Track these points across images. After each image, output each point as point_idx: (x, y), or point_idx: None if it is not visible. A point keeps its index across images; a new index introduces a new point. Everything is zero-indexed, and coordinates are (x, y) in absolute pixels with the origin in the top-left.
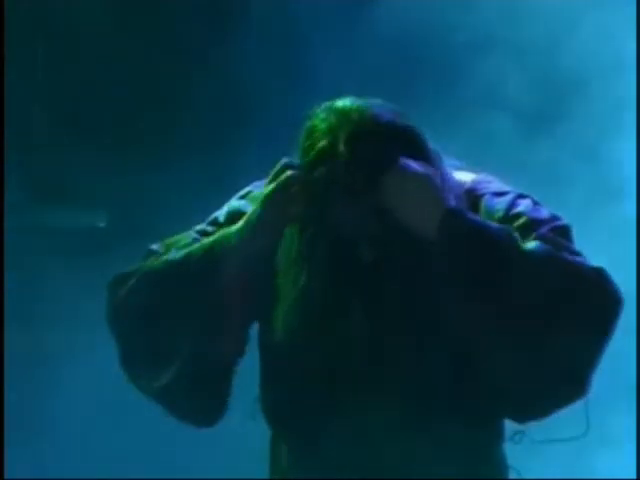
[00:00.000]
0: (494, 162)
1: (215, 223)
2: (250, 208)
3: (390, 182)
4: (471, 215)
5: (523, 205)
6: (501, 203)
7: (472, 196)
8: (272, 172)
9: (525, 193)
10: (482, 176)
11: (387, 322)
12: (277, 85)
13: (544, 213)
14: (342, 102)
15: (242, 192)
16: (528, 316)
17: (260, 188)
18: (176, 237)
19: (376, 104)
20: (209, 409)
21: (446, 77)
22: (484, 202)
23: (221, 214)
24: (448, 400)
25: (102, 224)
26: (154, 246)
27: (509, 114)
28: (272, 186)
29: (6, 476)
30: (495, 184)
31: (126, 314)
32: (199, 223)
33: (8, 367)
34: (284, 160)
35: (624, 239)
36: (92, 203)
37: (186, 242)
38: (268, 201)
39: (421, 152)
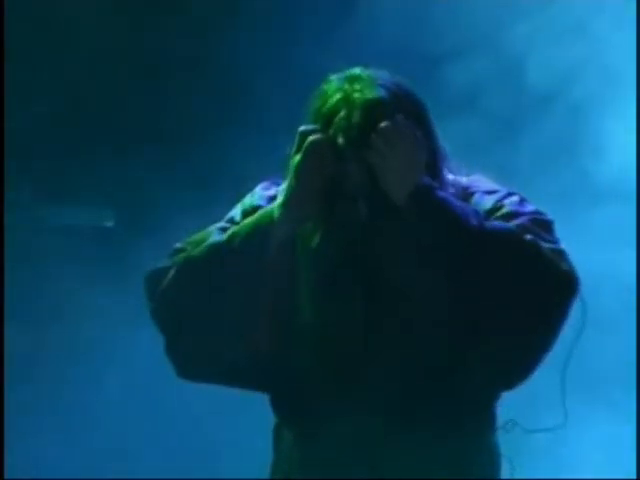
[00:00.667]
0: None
1: (232, 222)
2: (264, 202)
3: (378, 138)
4: (440, 192)
5: (509, 200)
6: (490, 200)
7: (466, 193)
8: (294, 143)
9: (514, 191)
10: (476, 176)
11: (379, 297)
12: (278, 82)
13: (528, 207)
14: (353, 70)
15: (251, 193)
16: (488, 288)
17: (267, 190)
18: (199, 234)
19: (386, 74)
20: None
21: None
22: (474, 199)
23: (236, 213)
24: (437, 384)
25: (110, 223)
26: (178, 244)
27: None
28: (301, 154)
29: (6, 476)
30: (487, 184)
31: (173, 304)
32: (205, 220)
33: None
34: (302, 128)
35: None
36: (100, 202)
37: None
38: (301, 168)
39: (422, 122)
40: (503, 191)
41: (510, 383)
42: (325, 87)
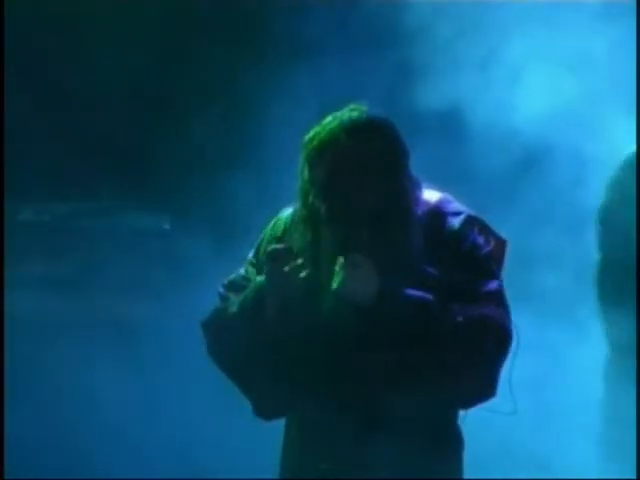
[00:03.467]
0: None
1: (251, 263)
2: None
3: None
4: (402, 293)
5: (472, 241)
6: (455, 223)
7: (436, 213)
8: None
9: (474, 214)
10: (443, 196)
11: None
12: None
13: (480, 240)
14: (343, 114)
15: (272, 222)
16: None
17: (287, 212)
18: (232, 279)
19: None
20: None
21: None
22: (445, 220)
23: (252, 254)
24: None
25: (167, 226)
26: (221, 289)
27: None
28: (267, 265)
29: (6, 476)
30: (453, 204)
31: (215, 356)
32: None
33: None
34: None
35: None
36: (160, 209)
37: (237, 286)
38: (270, 275)
39: (399, 167)
40: (465, 213)
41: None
42: (316, 130)
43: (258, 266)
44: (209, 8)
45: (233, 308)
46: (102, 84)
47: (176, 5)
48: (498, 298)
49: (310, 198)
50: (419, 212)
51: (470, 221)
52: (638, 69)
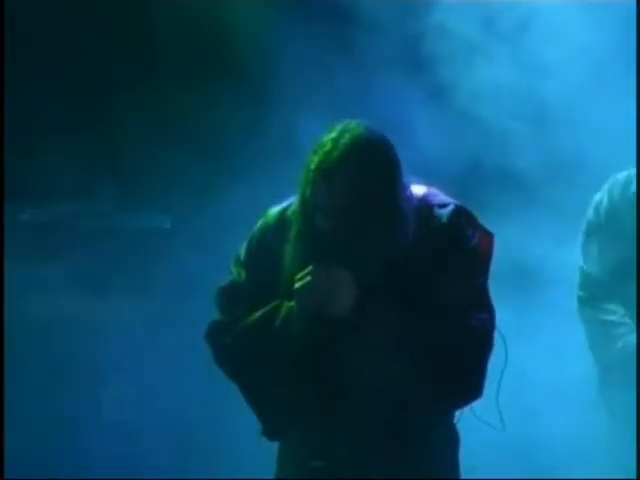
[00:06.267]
0: None
1: (242, 265)
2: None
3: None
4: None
5: (457, 223)
6: (443, 215)
7: (424, 206)
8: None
9: (462, 206)
10: (431, 190)
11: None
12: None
13: (468, 232)
14: (344, 127)
15: (259, 223)
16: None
17: (274, 211)
18: (226, 287)
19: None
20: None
21: None
22: (433, 212)
23: (243, 258)
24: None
25: (167, 226)
26: (220, 299)
27: None
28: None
29: (6, 476)
30: (440, 197)
31: (223, 365)
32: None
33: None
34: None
35: None
36: (160, 209)
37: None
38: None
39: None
40: (452, 204)
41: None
42: (322, 140)
43: (252, 265)
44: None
45: (251, 324)
46: (102, 83)
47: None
48: (481, 296)
49: (309, 212)
50: (408, 208)
51: (458, 212)
52: (638, 69)
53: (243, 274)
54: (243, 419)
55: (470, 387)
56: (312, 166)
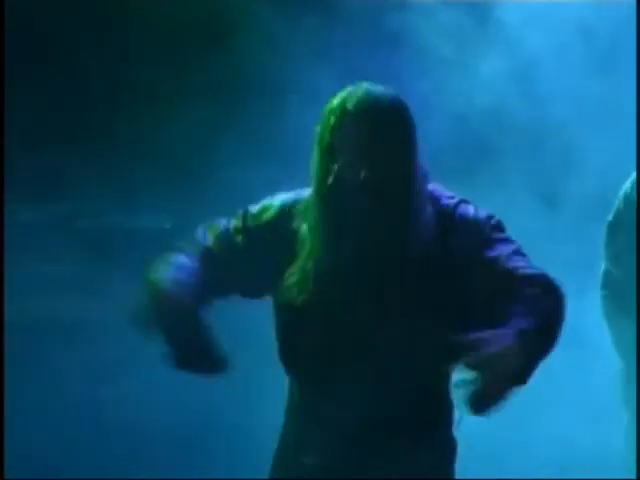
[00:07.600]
0: None
1: (246, 215)
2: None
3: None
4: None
5: (469, 208)
6: (450, 205)
7: (432, 197)
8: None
9: (466, 199)
10: (435, 184)
11: (377, 297)
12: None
13: (482, 214)
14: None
15: (265, 203)
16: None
17: (280, 198)
18: (215, 224)
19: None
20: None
21: None
22: (441, 201)
23: (254, 208)
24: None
25: (167, 226)
26: (201, 227)
27: None
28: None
29: (6, 476)
30: (445, 191)
31: None
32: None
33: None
34: None
35: None
36: (160, 209)
37: (216, 233)
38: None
39: (410, 140)
40: (457, 197)
41: None
42: (332, 106)
43: (246, 233)
44: None
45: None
46: (102, 82)
47: None
48: (524, 255)
49: (329, 164)
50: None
51: (466, 200)
52: (638, 69)
53: (237, 237)
54: (243, 419)
55: (559, 304)
56: (334, 106)
